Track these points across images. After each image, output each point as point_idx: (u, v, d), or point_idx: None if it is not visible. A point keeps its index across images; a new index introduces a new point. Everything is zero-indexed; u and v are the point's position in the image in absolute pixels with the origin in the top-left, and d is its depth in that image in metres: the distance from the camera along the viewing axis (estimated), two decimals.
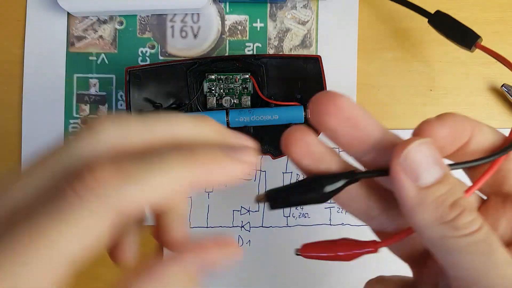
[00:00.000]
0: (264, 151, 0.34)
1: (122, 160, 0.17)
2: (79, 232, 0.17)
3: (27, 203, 0.17)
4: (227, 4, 0.37)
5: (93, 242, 0.17)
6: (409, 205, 0.19)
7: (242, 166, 0.19)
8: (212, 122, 0.20)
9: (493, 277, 0.19)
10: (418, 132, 0.21)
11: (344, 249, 0.22)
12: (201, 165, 0.18)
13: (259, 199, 0.20)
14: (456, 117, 0.21)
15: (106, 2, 0.35)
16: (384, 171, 0.20)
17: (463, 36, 0.32)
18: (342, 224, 0.36)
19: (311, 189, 0.20)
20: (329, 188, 0.20)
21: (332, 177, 0.20)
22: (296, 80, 0.34)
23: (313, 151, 0.21)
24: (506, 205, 0.21)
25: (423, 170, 0.19)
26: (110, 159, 0.17)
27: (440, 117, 0.21)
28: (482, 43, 0.37)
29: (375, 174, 0.20)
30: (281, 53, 0.36)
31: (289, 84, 0.34)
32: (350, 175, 0.20)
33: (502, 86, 0.36)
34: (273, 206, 0.20)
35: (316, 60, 0.33)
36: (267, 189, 0.36)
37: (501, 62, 0.30)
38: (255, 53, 0.37)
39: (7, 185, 0.18)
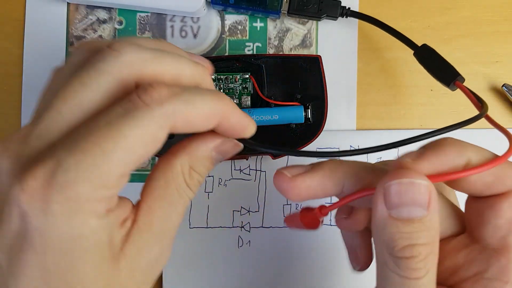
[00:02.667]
0: (263, 151, 0.34)
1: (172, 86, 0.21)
2: (144, 133, 0.19)
3: (100, 109, 0.20)
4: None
5: (153, 145, 0.20)
6: (374, 224, 0.21)
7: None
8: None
9: None
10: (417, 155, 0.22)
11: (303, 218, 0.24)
12: (225, 105, 0.21)
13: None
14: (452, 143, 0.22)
15: None
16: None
17: (444, 73, 0.32)
18: None
19: None
20: None
21: None
22: (296, 80, 0.34)
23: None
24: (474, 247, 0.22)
25: (401, 204, 0.20)
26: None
27: (438, 144, 0.22)
28: (483, 43, 0.36)
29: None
30: (281, 53, 0.36)
31: (289, 84, 0.34)
32: None
33: (502, 86, 0.36)
34: None
35: (316, 60, 0.33)
36: (267, 189, 0.36)
37: (473, 104, 0.29)
38: (255, 53, 0.36)
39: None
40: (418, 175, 0.20)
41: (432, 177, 0.20)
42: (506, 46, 0.37)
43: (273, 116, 0.33)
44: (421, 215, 0.20)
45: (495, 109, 0.37)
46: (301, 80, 0.33)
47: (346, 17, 0.35)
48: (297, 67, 0.33)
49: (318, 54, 0.36)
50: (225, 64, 0.33)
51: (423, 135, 0.22)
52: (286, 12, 0.35)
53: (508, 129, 0.36)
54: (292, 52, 0.37)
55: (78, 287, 0.20)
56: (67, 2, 0.37)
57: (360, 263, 0.27)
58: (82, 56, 0.22)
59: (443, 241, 0.23)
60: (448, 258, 0.23)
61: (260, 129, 0.34)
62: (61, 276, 0.19)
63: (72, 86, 0.20)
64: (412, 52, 0.34)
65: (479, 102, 0.27)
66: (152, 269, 0.22)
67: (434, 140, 0.22)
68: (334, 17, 0.35)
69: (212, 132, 0.23)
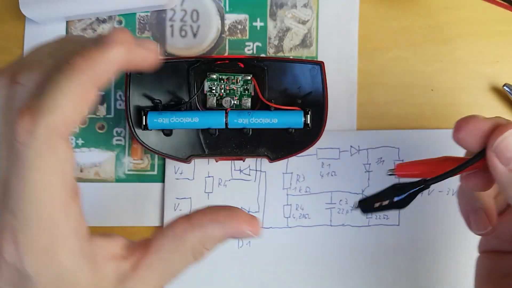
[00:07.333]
0: (261, 154, 0.34)
1: (31, 101, 0.22)
2: (49, 164, 0.21)
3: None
4: (227, 3, 0.37)
5: (66, 162, 0.22)
6: (501, 183, 0.24)
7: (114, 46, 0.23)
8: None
9: None
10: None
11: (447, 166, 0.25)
12: (80, 66, 0.22)
13: (354, 206, 0.26)
14: None
15: (69, 6, 0.34)
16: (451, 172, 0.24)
17: None
18: (343, 225, 0.36)
19: (389, 196, 0.25)
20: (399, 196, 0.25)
21: (404, 186, 0.25)
22: (298, 84, 0.33)
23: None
24: None
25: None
26: (24, 104, 0.22)
27: None
28: (483, 43, 0.36)
29: (445, 176, 0.25)
30: (284, 56, 0.36)
31: (290, 88, 0.34)
32: (421, 183, 0.25)
33: (504, 85, 0.36)
34: (364, 211, 0.26)
35: (319, 66, 0.33)
36: (267, 189, 0.36)
37: None
38: (255, 52, 0.36)
39: None
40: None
41: None
42: (506, 46, 0.37)
43: (272, 119, 0.32)
44: None
45: (495, 109, 0.37)
46: (303, 85, 0.33)
47: None
48: (299, 72, 0.33)
49: (318, 53, 0.36)
50: (227, 64, 0.33)
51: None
52: None
53: None
54: (293, 52, 0.36)
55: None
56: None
57: (487, 225, 0.28)
58: None
59: None
60: None
61: (259, 131, 0.34)
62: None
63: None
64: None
65: None
66: None
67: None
68: None
69: (233, 217, 0.25)
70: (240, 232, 0.26)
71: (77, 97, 0.22)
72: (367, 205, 0.26)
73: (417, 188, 0.25)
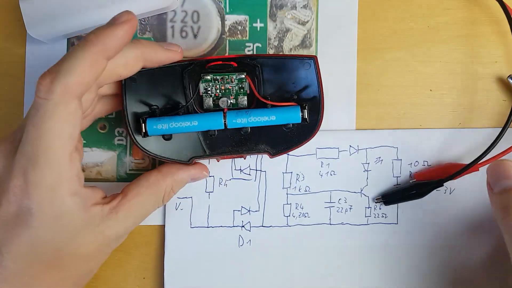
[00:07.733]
0: (261, 150, 0.34)
1: (52, 67, 0.26)
2: (62, 115, 0.26)
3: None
4: (227, 3, 0.37)
5: (76, 117, 0.27)
6: (489, 200, 0.31)
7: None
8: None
9: None
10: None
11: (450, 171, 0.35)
12: (95, 40, 0.27)
13: (374, 200, 0.36)
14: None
15: (74, 23, 0.35)
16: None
17: None
18: (342, 223, 0.36)
19: (412, 190, 0.35)
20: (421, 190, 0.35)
21: (424, 184, 0.35)
22: (293, 80, 0.33)
23: None
24: None
25: (494, 182, 0.31)
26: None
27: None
28: (482, 44, 0.37)
29: (453, 177, 0.35)
30: (276, 53, 0.36)
31: (285, 84, 0.34)
32: (438, 182, 0.35)
33: (508, 77, 0.36)
34: (386, 203, 0.36)
35: (312, 61, 0.33)
36: (267, 188, 0.36)
37: None
38: (255, 53, 0.37)
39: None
40: (494, 161, 0.32)
41: None
42: (505, 47, 0.37)
43: (271, 117, 0.32)
44: (508, 184, 0.30)
45: (494, 109, 0.37)
46: (297, 80, 0.33)
47: None
48: (293, 68, 0.33)
49: (318, 54, 0.36)
50: (221, 65, 0.33)
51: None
52: None
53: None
54: (292, 53, 0.37)
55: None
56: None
57: None
58: None
59: None
60: None
61: (258, 129, 0.34)
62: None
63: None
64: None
65: None
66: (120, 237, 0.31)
67: None
68: None
69: (193, 165, 0.33)
70: (200, 173, 0.34)
71: (88, 64, 0.26)
72: (390, 198, 0.36)
73: (436, 185, 0.35)
